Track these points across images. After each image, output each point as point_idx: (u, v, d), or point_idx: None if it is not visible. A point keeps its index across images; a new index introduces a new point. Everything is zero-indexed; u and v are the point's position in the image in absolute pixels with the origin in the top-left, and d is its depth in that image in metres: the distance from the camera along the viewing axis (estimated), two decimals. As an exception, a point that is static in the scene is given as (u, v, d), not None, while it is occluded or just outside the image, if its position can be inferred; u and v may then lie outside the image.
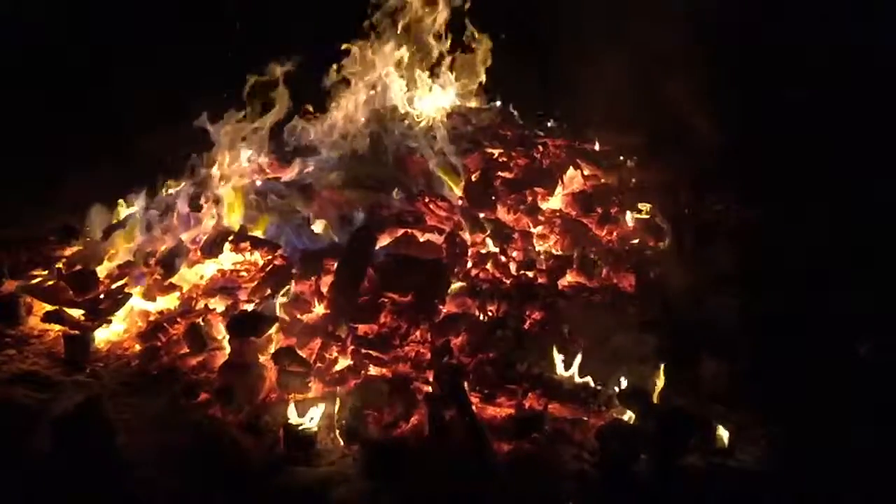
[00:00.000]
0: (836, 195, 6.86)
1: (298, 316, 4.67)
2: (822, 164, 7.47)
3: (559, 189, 6.45)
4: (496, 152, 6.83)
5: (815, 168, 7.36)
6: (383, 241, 5.15)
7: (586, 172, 6.97)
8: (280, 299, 4.72)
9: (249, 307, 4.70)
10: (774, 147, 7.80)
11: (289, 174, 6.31)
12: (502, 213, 5.92)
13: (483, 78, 7.76)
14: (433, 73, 7.47)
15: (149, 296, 4.97)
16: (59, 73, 9.73)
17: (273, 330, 4.46)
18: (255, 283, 4.90)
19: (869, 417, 3.98)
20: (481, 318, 4.69)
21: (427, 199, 5.59)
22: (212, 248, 5.24)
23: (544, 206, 6.23)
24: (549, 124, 8.26)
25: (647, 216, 6.31)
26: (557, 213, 6.11)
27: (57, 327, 4.71)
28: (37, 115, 8.73)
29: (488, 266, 5.19)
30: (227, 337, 4.44)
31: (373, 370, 4.23)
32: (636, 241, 5.93)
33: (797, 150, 7.76)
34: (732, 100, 8.86)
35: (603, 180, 7.03)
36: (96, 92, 9.31)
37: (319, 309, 4.74)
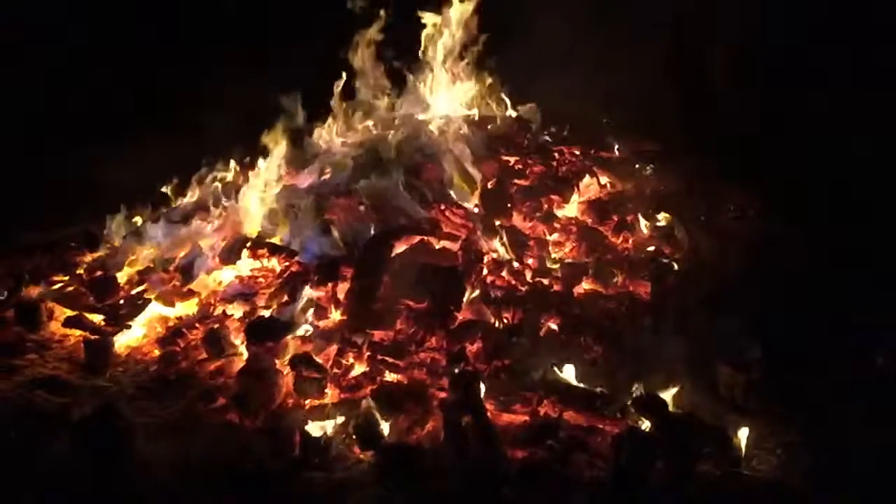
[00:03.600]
0: (855, 198, 6.82)
1: (315, 322, 4.71)
2: (839, 169, 7.42)
3: (575, 196, 6.45)
4: (512, 160, 6.84)
5: (833, 175, 7.31)
6: (399, 248, 5.17)
7: (602, 180, 6.97)
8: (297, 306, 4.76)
9: (267, 313, 4.74)
10: (792, 153, 7.75)
11: (306, 181, 6.35)
12: (518, 221, 5.93)
13: (499, 85, 7.78)
14: (449, 80, 7.49)
15: (168, 301, 5.02)
16: (80, 74, 9.84)
17: (290, 336, 4.50)
18: (273, 289, 4.94)
19: (887, 426, 3.94)
20: (497, 325, 4.69)
21: (443, 207, 5.61)
22: (230, 255, 5.29)
23: (560, 213, 6.23)
24: (564, 132, 8.24)
25: (664, 224, 6.29)
26: (573, 221, 6.11)
27: (77, 332, 4.77)
28: (56, 117, 8.83)
29: (504, 273, 5.19)
30: (245, 343, 4.48)
31: (389, 376, 4.25)
32: (652, 248, 5.91)
33: (815, 155, 7.70)
34: (750, 105, 8.83)
35: (619, 188, 7.03)
36: (117, 94, 9.42)
37: (336, 315, 4.78)
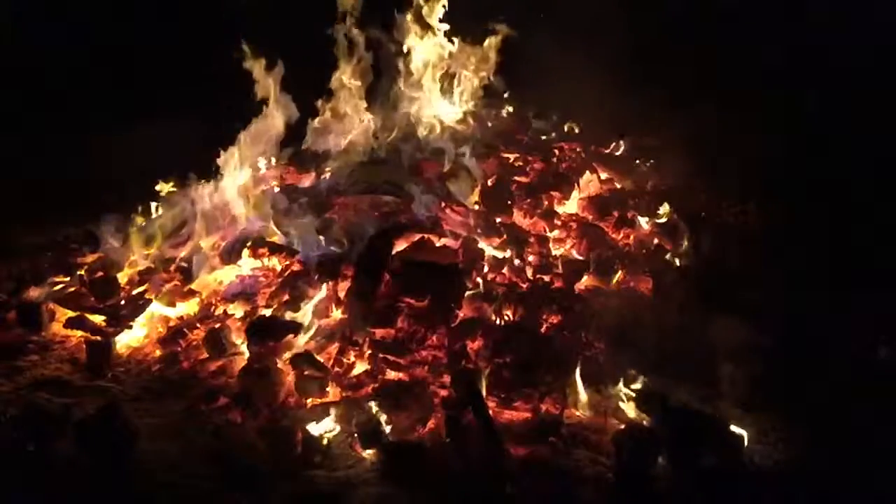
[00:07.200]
0: (855, 195, 6.82)
1: (316, 321, 4.71)
2: (841, 164, 7.42)
3: (575, 193, 6.44)
4: (512, 157, 6.83)
5: (835, 169, 7.31)
6: (400, 246, 5.16)
7: (603, 176, 6.97)
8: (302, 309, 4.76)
9: (268, 312, 4.74)
10: (793, 149, 7.74)
11: (306, 181, 6.35)
12: (519, 218, 5.93)
13: (499, 82, 7.78)
14: (449, 77, 7.49)
15: (169, 302, 5.02)
16: (82, 75, 9.86)
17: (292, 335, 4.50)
18: (273, 288, 4.94)
19: (888, 419, 3.94)
20: (498, 322, 4.69)
21: (443, 204, 5.60)
22: (231, 255, 5.29)
23: (561, 210, 6.23)
24: (565, 128, 8.25)
25: (665, 219, 6.29)
26: (574, 217, 6.10)
27: (79, 333, 4.78)
28: (58, 117, 8.84)
29: (504, 270, 5.19)
30: (246, 342, 4.48)
31: (390, 374, 4.24)
32: (653, 244, 5.91)
33: (815, 151, 7.71)
34: (751, 101, 8.83)
35: (619, 184, 7.03)
36: (117, 95, 9.42)
37: (337, 314, 4.78)
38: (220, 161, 5.88)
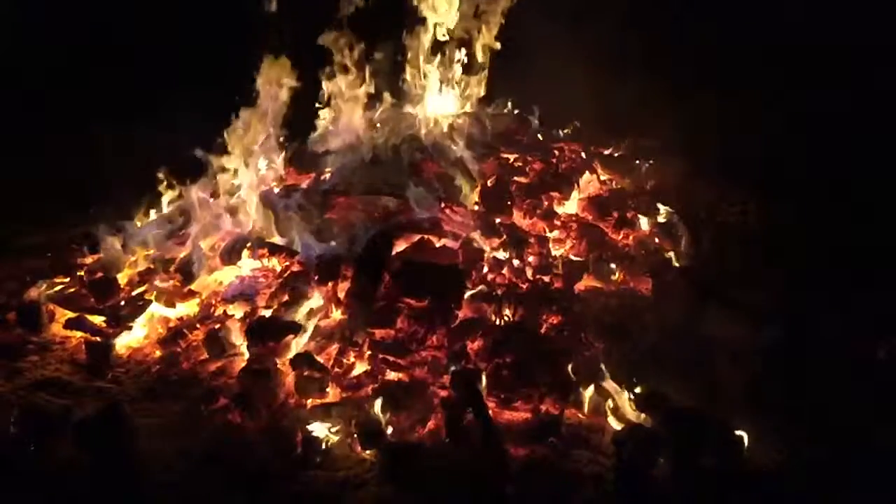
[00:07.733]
0: (855, 195, 6.81)
1: (316, 321, 4.71)
2: (840, 163, 7.41)
3: (575, 193, 6.44)
4: (512, 157, 6.83)
5: (834, 168, 7.31)
6: (399, 246, 5.16)
7: (602, 176, 6.96)
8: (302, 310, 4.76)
9: (268, 313, 4.74)
10: (793, 149, 7.74)
11: (306, 181, 6.35)
12: (518, 218, 5.92)
13: (496, 82, 7.75)
14: (449, 77, 7.46)
15: (169, 302, 5.02)
16: (82, 75, 9.86)
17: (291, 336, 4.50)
18: (273, 289, 4.94)
19: (890, 420, 3.94)
20: (498, 322, 4.69)
21: (443, 205, 5.60)
22: (230, 255, 5.29)
23: (560, 210, 6.22)
24: (564, 129, 8.24)
25: (665, 219, 6.28)
26: (573, 218, 6.10)
27: (79, 334, 4.78)
28: (58, 117, 8.84)
29: (504, 271, 5.19)
30: (246, 343, 4.48)
31: (390, 375, 4.24)
32: (653, 244, 5.91)
33: (814, 150, 7.70)
34: (750, 101, 8.83)
35: (619, 184, 7.02)
36: (117, 95, 9.43)
37: (337, 314, 4.77)
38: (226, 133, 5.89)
